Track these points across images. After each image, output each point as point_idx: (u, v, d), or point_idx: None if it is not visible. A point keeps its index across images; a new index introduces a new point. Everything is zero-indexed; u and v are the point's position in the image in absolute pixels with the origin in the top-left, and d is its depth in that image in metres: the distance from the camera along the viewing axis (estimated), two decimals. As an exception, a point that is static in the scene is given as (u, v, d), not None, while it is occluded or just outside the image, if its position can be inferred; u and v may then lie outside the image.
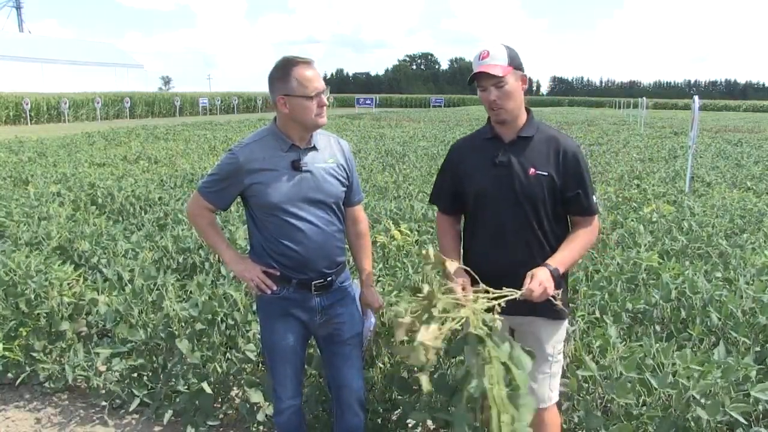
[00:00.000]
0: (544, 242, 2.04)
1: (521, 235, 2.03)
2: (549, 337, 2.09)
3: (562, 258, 1.97)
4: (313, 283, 2.15)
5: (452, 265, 1.83)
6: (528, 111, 2.07)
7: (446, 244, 2.20)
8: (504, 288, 2.03)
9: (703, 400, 2.16)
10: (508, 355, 1.64)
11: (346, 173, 2.22)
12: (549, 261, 1.95)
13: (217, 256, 3.86)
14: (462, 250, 2.22)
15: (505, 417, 1.55)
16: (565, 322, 2.16)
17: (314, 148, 2.14)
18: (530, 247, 2.04)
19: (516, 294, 1.77)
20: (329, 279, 2.18)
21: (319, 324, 2.22)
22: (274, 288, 2.14)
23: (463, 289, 1.99)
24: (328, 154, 2.17)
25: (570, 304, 2.18)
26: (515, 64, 1.96)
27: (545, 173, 1.99)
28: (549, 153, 2.01)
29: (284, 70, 2.02)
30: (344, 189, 2.21)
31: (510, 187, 2.01)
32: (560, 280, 2.00)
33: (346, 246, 2.33)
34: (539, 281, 1.83)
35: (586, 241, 2.07)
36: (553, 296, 1.85)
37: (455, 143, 2.27)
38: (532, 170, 2.00)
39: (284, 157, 2.09)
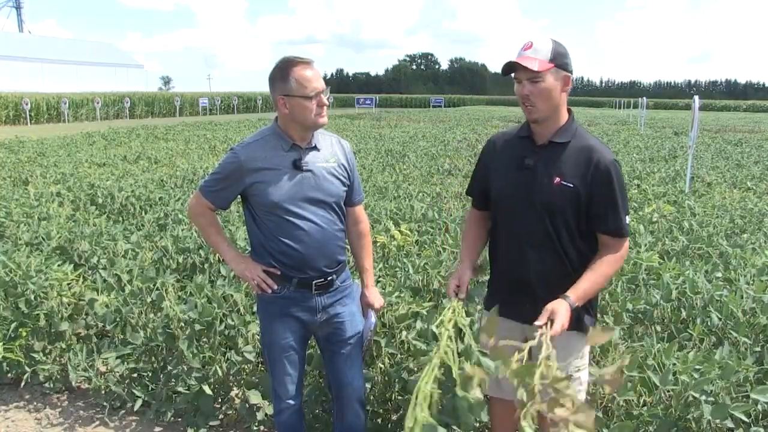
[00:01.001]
0: (564, 257, 1.92)
1: (538, 246, 1.93)
2: (564, 351, 1.87)
3: (583, 291, 1.83)
4: (313, 282, 2.15)
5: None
6: (569, 112, 1.95)
7: (467, 240, 2.12)
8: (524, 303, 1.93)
9: (704, 398, 2.16)
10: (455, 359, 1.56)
11: (347, 173, 2.22)
12: (569, 293, 1.81)
13: (217, 255, 3.86)
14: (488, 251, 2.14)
15: (411, 420, 1.43)
16: (585, 338, 1.96)
17: (315, 147, 2.14)
18: (548, 261, 1.93)
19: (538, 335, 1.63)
20: (330, 278, 2.18)
21: (319, 323, 2.22)
22: (275, 287, 2.13)
23: (457, 286, 1.94)
24: (329, 153, 2.17)
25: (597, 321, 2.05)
26: (559, 62, 1.83)
27: (570, 185, 1.86)
28: (580, 163, 1.87)
29: (284, 71, 2.02)
30: (345, 189, 2.21)
31: (530, 193, 1.90)
32: (590, 303, 1.94)
33: (347, 245, 2.33)
34: (561, 322, 1.70)
35: (610, 269, 1.91)
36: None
37: (492, 136, 2.15)
38: (557, 179, 1.87)
39: (285, 157, 2.09)
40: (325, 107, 2.07)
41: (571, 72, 1.89)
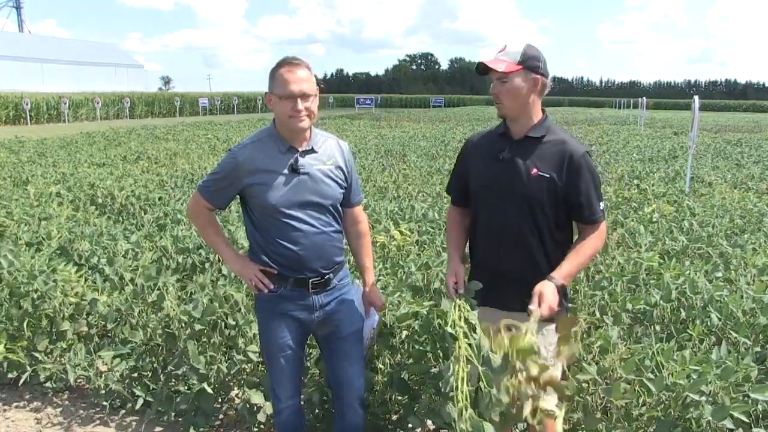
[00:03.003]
0: (541, 247, 2.03)
1: (518, 237, 2.03)
2: (543, 338, 1.98)
3: (568, 270, 1.97)
4: (310, 281, 2.15)
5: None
6: (543, 112, 2.06)
7: (452, 236, 2.24)
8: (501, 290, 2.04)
9: (704, 399, 2.15)
10: (477, 353, 1.71)
11: (345, 175, 2.22)
12: (554, 274, 1.95)
13: (218, 255, 3.86)
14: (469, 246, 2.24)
15: (468, 414, 1.60)
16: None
17: (312, 150, 2.13)
18: (527, 250, 2.04)
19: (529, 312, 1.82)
20: (327, 277, 2.19)
21: (317, 322, 2.22)
22: (272, 287, 2.14)
23: (456, 282, 2.06)
24: (326, 156, 2.17)
25: (570, 305, 2.18)
26: (529, 65, 1.95)
27: (547, 175, 1.98)
28: (554, 156, 1.99)
29: (273, 69, 2.06)
30: (342, 191, 2.21)
31: (509, 184, 2.01)
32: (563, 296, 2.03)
33: (346, 246, 2.33)
34: (548, 305, 1.85)
35: (593, 248, 2.05)
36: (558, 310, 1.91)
37: (471, 136, 2.29)
38: (534, 170, 1.99)
39: (282, 159, 2.09)
40: (301, 113, 2.01)
41: (543, 74, 1.99)
